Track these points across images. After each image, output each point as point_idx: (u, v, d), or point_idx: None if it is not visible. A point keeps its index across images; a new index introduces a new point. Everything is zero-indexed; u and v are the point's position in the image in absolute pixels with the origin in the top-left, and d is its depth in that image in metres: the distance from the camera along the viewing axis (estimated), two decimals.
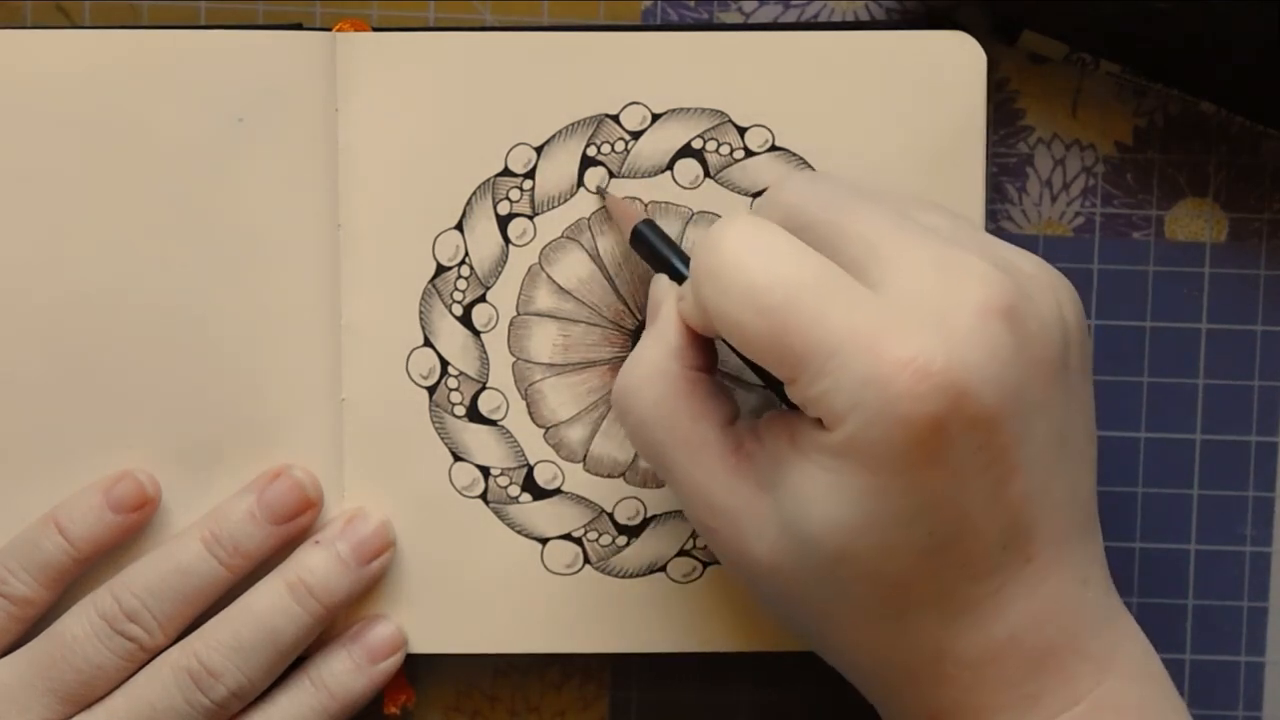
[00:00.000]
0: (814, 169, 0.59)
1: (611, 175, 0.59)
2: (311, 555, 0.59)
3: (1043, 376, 0.50)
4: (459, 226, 0.59)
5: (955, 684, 0.51)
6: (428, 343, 0.59)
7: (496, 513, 0.60)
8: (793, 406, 0.51)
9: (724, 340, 0.52)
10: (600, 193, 0.59)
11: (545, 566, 0.60)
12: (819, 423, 0.50)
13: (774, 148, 0.59)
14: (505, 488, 0.60)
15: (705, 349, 0.54)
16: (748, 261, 0.50)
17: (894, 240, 0.50)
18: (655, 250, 0.57)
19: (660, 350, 0.54)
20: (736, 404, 0.55)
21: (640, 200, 0.59)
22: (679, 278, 0.55)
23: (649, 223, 0.57)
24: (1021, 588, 0.51)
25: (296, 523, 0.59)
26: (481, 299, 0.59)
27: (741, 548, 0.52)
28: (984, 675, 0.51)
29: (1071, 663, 0.51)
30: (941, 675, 0.51)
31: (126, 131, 0.58)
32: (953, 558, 0.50)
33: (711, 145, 0.59)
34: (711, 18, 0.61)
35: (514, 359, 0.60)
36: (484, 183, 0.59)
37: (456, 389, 0.60)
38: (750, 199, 0.59)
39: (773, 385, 0.53)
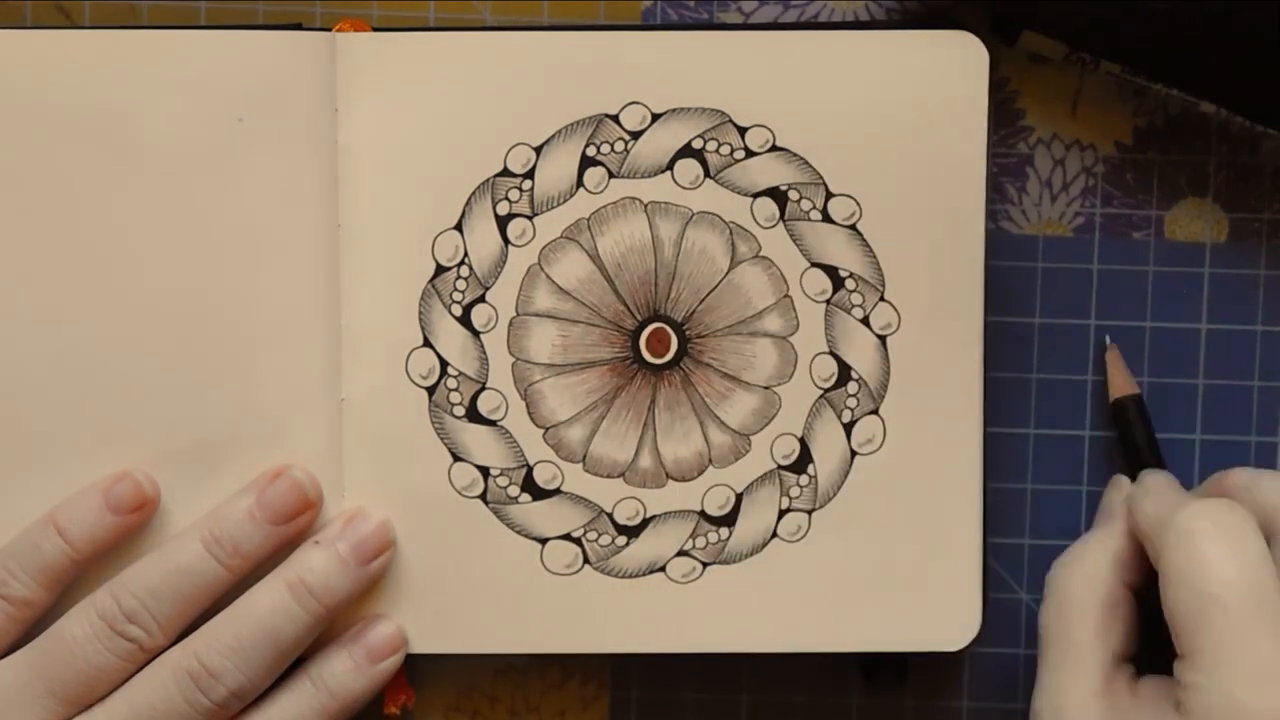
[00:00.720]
0: (815, 169, 0.59)
1: (611, 175, 0.59)
2: (312, 555, 0.59)
3: None
4: (458, 227, 0.59)
5: None
6: (427, 343, 0.59)
7: (496, 513, 0.60)
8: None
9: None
10: (1104, 347, 0.61)
11: (545, 566, 0.60)
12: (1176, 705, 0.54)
13: (774, 148, 0.59)
14: (505, 488, 0.60)
15: (1140, 567, 0.58)
16: (1215, 554, 0.54)
17: None
18: (1131, 434, 0.61)
19: (1105, 554, 0.58)
20: (1134, 644, 0.58)
21: (640, 200, 0.59)
22: (1138, 464, 0.60)
23: (1138, 400, 0.60)
24: None
25: (296, 523, 0.59)
26: (481, 299, 0.59)
27: None
28: None
29: None
30: None
31: (126, 131, 0.58)
32: None
33: (712, 145, 0.59)
34: (711, 18, 0.61)
35: (513, 359, 0.60)
36: (483, 183, 0.59)
37: (456, 389, 0.60)
38: (751, 199, 0.59)
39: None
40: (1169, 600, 0.54)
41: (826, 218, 0.59)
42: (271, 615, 0.58)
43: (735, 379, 0.59)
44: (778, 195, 0.59)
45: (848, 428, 0.60)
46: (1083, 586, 0.58)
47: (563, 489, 0.60)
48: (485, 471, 0.60)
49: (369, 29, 0.59)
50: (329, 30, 0.59)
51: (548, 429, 0.60)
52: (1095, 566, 0.58)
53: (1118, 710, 0.56)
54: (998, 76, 0.61)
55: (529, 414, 0.60)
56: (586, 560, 0.60)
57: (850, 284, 0.59)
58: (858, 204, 0.59)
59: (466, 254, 0.59)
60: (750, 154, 0.59)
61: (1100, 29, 0.59)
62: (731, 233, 0.59)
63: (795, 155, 0.59)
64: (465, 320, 0.59)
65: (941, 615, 0.60)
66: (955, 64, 0.58)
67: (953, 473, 0.60)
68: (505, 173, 0.59)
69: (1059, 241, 0.62)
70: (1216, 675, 0.53)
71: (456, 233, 0.59)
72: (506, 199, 0.59)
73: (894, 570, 0.60)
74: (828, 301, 0.59)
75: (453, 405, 0.60)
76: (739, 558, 0.60)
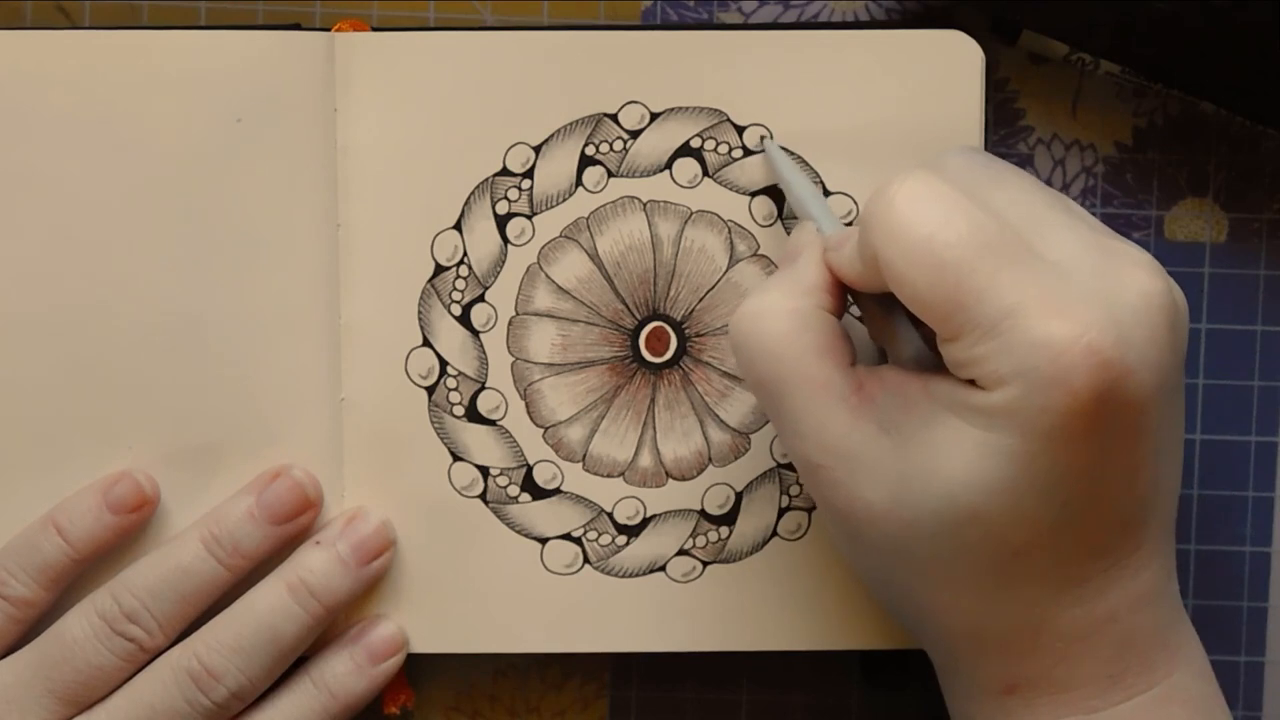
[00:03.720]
0: (813, 168, 0.59)
1: (610, 175, 0.59)
2: (312, 555, 0.59)
3: (1179, 368, 0.52)
4: (457, 226, 0.59)
5: (1046, 656, 0.52)
6: (426, 343, 0.59)
7: (496, 512, 0.60)
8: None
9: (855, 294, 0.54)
10: (762, 141, 0.58)
11: (545, 566, 0.60)
12: (969, 382, 0.50)
13: None
14: (504, 487, 0.60)
15: (839, 296, 0.54)
16: (925, 215, 0.50)
17: (1056, 219, 0.51)
18: (802, 199, 0.57)
19: (794, 286, 0.54)
20: (855, 348, 0.54)
21: (639, 199, 0.59)
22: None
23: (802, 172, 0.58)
24: (1127, 572, 0.52)
25: (296, 523, 0.59)
26: (480, 299, 0.59)
27: (851, 491, 0.52)
28: (1074, 650, 0.52)
29: (1152, 650, 0.52)
30: (1035, 647, 0.52)
31: (126, 131, 0.59)
32: (1076, 533, 0.51)
33: (710, 144, 0.59)
34: (711, 18, 0.62)
35: (513, 359, 0.60)
36: (482, 182, 0.59)
37: (455, 389, 0.60)
38: (749, 198, 0.59)
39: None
40: (909, 294, 0.50)
41: None
42: (272, 615, 0.58)
43: (735, 377, 0.59)
44: (776, 194, 0.59)
45: None
46: (778, 321, 0.53)
47: (563, 488, 0.60)
48: (485, 471, 0.60)
49: (368, 29, 0.59)
50: (328, 30, 0.59)
51: (547, 428, 0.60)
52: (785, 299, 0.53)
53: (885, 411, 0.52)
54: (998, 76, 0.61)
55: (529, 413, 0.60)
56: (587, 560, 0.60)
57: None
58: (855, 203, 0.59)
59: (466, 253, 0.59)
60: (748, 153, 0.59)
61: (1100, 29, 0.59)
62: (730, 231, 0.59)
63: (793, 154, 0.59)
64: (465, 320, 0.59)
65: None
66: (950, 64, 0.58)
67: None
68: (504, 172, 0.59)
69: None
70: (1005, 331, 0.49)
71: (456, 232, 0.59)
72: (505, 198, 0.59)
73: None
74: None
75: (452, 405, 0.60)
76: (739, 556, 0.60)
